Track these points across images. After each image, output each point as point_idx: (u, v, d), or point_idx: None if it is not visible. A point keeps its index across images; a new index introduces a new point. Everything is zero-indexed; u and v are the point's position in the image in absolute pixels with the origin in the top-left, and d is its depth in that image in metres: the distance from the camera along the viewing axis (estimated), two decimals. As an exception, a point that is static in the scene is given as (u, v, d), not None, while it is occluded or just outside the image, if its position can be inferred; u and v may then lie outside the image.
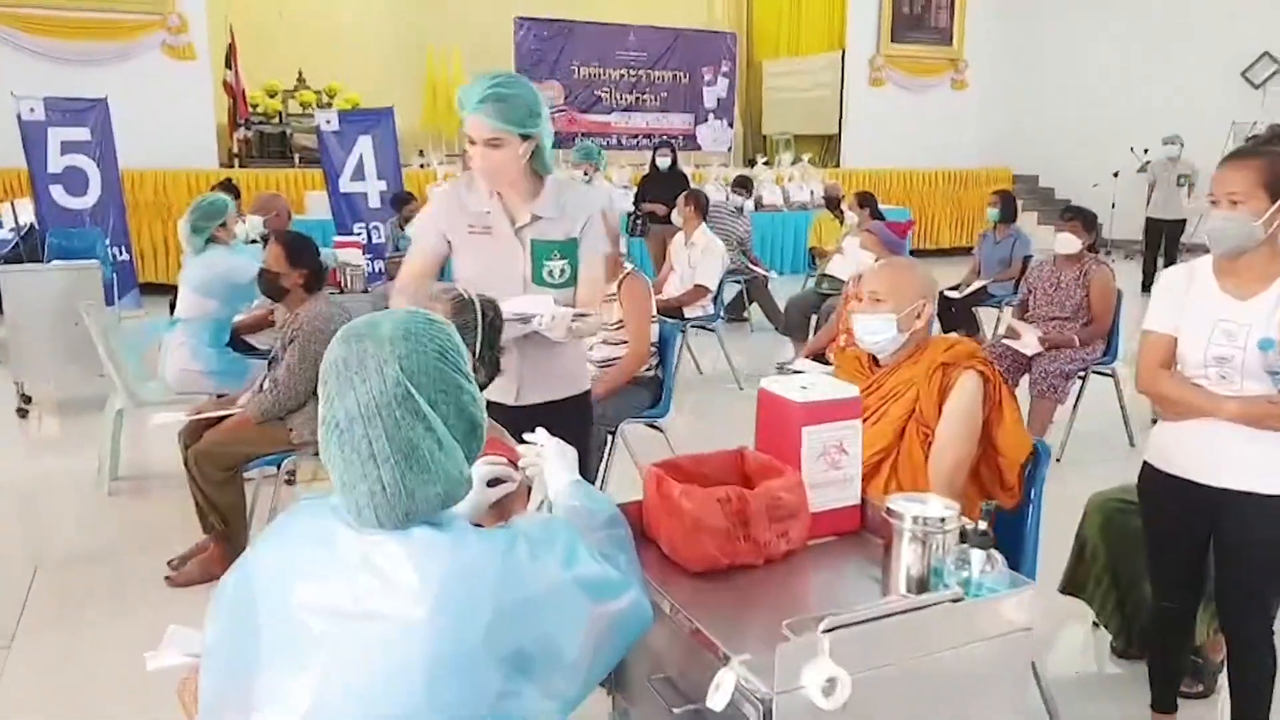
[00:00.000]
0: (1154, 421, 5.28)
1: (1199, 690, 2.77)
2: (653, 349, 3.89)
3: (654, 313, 3.99)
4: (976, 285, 6.56)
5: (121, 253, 8.29)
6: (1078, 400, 4.81)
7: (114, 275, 7.09)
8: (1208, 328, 2.20)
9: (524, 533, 1.27)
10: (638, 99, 11.22)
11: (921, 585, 1.44)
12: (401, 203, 7.38)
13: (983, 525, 1.38)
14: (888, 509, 1.47)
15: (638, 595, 1.33)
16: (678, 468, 1.68)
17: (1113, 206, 11.73)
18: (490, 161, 2.23)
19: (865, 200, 6.74)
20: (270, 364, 3.51)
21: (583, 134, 11.10)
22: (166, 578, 3.45)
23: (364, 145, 8.49)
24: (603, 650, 1.28)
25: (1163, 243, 9.60)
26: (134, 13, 9.79)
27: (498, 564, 1.22)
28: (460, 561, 1.21)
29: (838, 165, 12.94)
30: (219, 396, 4.36)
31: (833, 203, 8.24)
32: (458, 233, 2.35)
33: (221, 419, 3.49)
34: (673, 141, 8.29)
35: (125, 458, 4.49)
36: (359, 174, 8.51)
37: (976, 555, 1.38)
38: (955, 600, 1.33)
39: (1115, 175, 11.66)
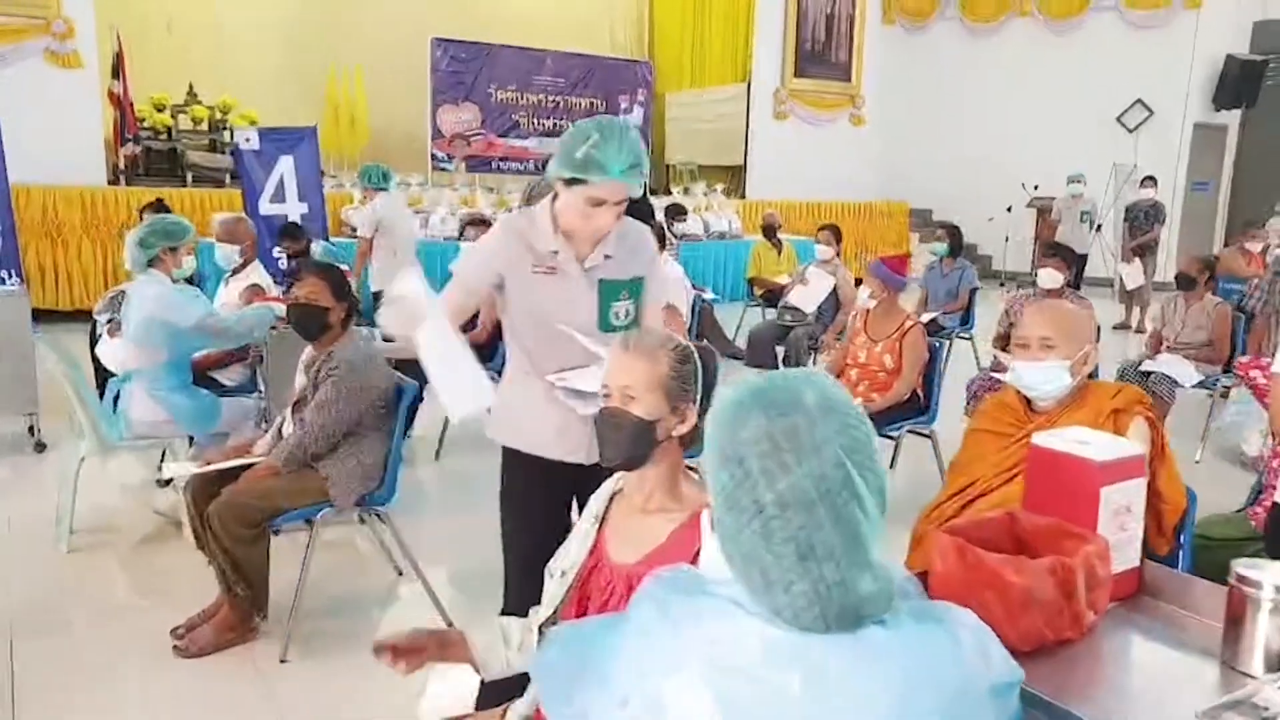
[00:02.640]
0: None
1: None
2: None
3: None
4: (927, 317, 6.70)
5: (11, 277, 7.53)
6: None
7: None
8: None
9: (955, 624, 1.13)
10: (555, 124, 11.06)
11: (1281, 659, 1.37)
12: (290, 236, 6.52)
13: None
14: (1239, 576, 1.39)
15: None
16: (963, 534, 1.57)
17: (1006, 240, 12.34)
18: (614, 220, 2.15)
19: (838, 234, 6.78)
20: (296, 405, 3.19)
21: (500, 159, 10.87)
22: (175, 647, 3.07)
23: (285, 165, 8.04)
24: None
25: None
26: (14, 15, 9.00)
27: (949, 664, 1.08)
28: (920, 665, 1.06)
29: (743, 196, 13.10)
30: (190, 441, 4.02)
31: (770, 231, 8.31)
32: (519, 272, 2.21)
33: (238, 469, 3.15)
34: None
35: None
36: (279, 195, 8.04)
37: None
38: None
39: (1009, 210, 12.24)
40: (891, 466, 4.36)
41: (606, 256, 2.23)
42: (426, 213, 9.56)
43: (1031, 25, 13.13)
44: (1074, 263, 5.17)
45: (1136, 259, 9.45)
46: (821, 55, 13.43)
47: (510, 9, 13.24)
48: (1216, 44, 12.41)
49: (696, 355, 1.76)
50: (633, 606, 1.23)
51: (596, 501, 1.86)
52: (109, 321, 6.04)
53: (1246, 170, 13.28)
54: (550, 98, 11.02)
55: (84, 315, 8.27)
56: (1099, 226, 11.01)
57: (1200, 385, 5.36)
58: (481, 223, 5.40)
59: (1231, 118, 13.03)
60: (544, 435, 2.27)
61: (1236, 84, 12.35)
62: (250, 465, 3.13)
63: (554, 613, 1.79)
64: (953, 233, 6.98)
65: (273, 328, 4.09)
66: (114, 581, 3.62)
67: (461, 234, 6.22)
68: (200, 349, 4.09)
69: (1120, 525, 1.60)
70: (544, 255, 2.19)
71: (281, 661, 3.04)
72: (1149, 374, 5.45)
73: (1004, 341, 5.22)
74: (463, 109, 10.59)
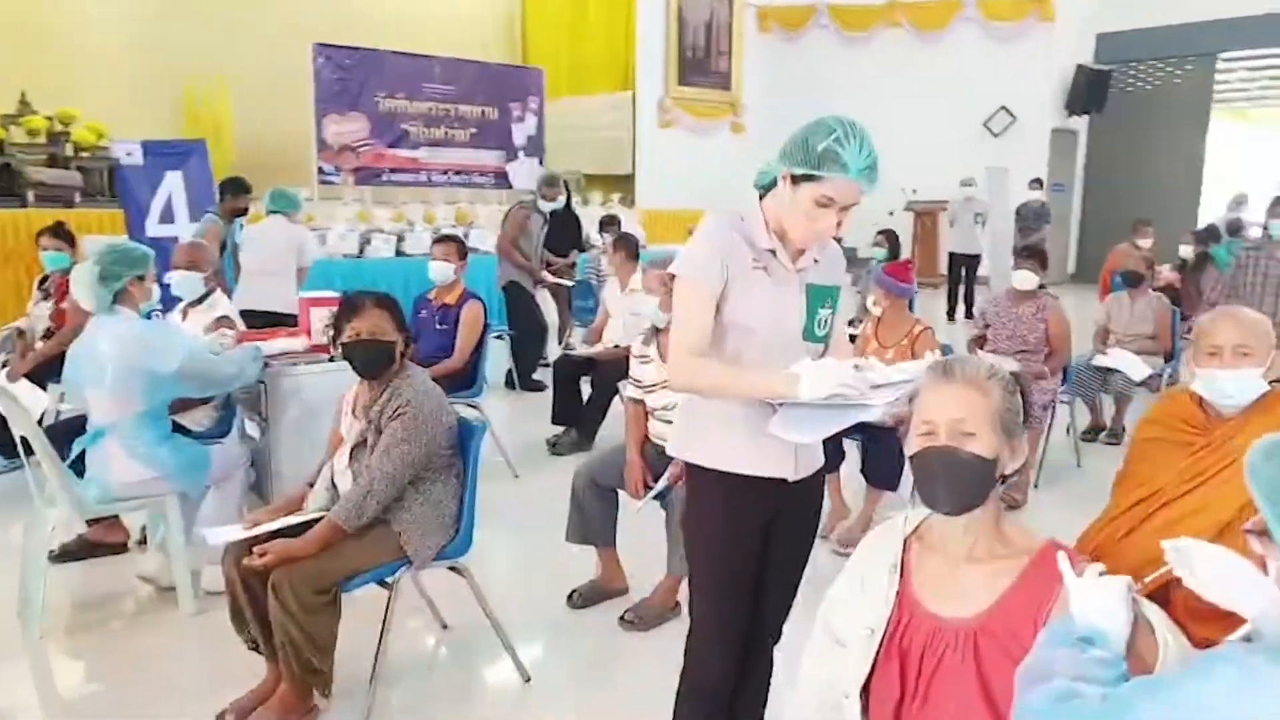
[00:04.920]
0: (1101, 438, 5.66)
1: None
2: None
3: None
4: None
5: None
6: (1049, 429, 5.07)
7: None
8: None
9: None
10: (447, 134, 10.58)
11: None
12: (237, 191, 6.58)
13: None
14: None
15: None
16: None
17: (889, 243, 12.74)
18: (835, 225, 1.97)
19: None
20: (354, 452, 2.83)
21: (391, 170, 10.34)
22: (229, 738, 2.67)
23: (173, 182, 7.37)
24: None
25: (964, 274, 10.50)
26: None
27: None
28: None
29: (632, 205, 13.00)
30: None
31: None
32: (740, 267, 2.01)
33: (291, 529, 2.75)
34: (566, 180, 7.87)
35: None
36: (168, 215, 7.36)
37: None
38: None
39: (891, 214, 12.64)
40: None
41: (815, 261, 2.09)
42: (323, 230, 8.97)
43: (902, 35, 13.64)
44: (1048, 264, 5.26)
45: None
46: (702, 64, 13.51)
47: (381, 14, 12.66)
48: (1067, 54, 13.23)
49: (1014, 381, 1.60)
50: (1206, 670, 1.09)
51: (884, 551, 1.67)
52: (2, 365, 5.34)
53: (1095, 172, 14.24)
54: (440, 106, 10.55)
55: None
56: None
57: (1147, 381, 5.59)
58: (450, 239, 5.04)
59: (1081, 123, 13.93)
60: (738, 449, 2.05)
61: (1086, 92, 13.20)
62: (308, 523, 2.74)
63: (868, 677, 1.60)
64: (891, 238, 7.09)
65: (265, 365, 3.66)
66: (116, 668, 3.12)
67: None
68: (178, 395, 3.57)
69: None
70: (761, 252, 2.03)
71: (360, 742, 2.68)
72: (1104, 370, 5.66)
73: (979, 344, 5.30)
74: (349, 119, 9.99)
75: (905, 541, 1.67)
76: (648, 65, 13.01)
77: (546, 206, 7.16)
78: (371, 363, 2.78)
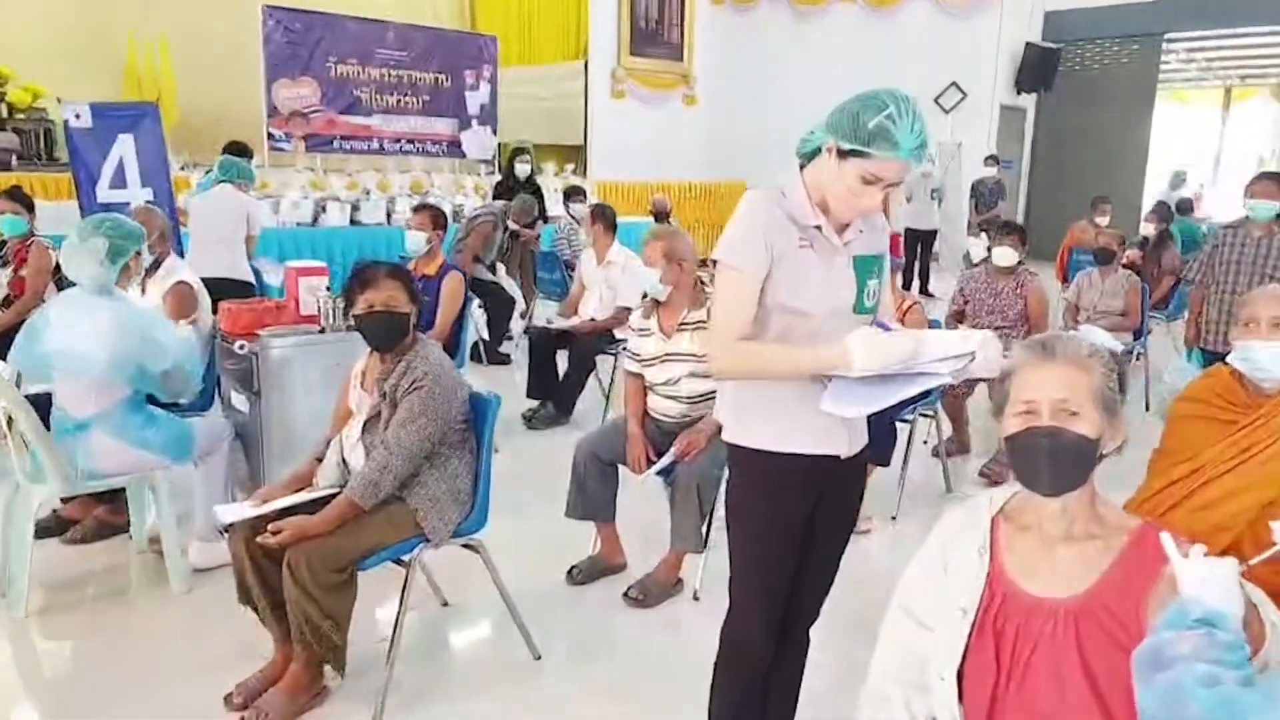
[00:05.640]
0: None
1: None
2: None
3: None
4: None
5: None
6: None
7: None
8: None
9: None
10: (399, 101, 10.30)
11: None
12: (239, 155, 6.47)
13: None
14: None
15: None
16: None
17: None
18: (879, 202, 1.91)
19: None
20: (366, 426, 2.72)
21: (342, 137, 10.05)
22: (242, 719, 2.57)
23: (124, 145, 7.03)
24: None
25: (919, 250, 10.60)
26: None
27: None
28: None
29: (584, 176, 12.86)
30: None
31: (662, 216, 8.17)
32: (787, 246, 1.93)
33: (304, 507, 2.65)
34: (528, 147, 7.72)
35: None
36: (119, 179, 7.03)
37: None
38: None
39: (843, 189, 12.70)
40: (906, 454, 4.33)
41: (860, 231, 2.01)
42: (276, 197, 8.69)
43: (854, 9, 13.65)
44: (1028, 240, 5.31)
45: (982, 233, 10.03)
46: (655, 34, 13.38)
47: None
48: (1017, 32, 13.38)
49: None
50: None
51: (969, 530, 1.65)
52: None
53: (1042, 149, 14.47)
54: (393, 72, 10.25)
55: None
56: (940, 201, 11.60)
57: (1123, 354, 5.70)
58: (427, 209, 4.89)
59: (1029, 100, 14.12)
60: (791, 428, 2.00)
61: (1035, 69, 13.37)
62: (320, 500, 2.65)
63: (963, 658, 1.58)
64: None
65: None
66: (106, 648, 2.99)
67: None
68: (149, 391, 3.29)
69: None
70: (806, 229, 1.95)
71: (377, 724, 2.61)
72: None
73: (957, 319, 5.34)
74: (300, 84, 9.66)
75: (992, 520, 1.65)
76: (600, 35, 12.85)
77: (514, 226, 7.22)
78: (386, 335, 2.68)
